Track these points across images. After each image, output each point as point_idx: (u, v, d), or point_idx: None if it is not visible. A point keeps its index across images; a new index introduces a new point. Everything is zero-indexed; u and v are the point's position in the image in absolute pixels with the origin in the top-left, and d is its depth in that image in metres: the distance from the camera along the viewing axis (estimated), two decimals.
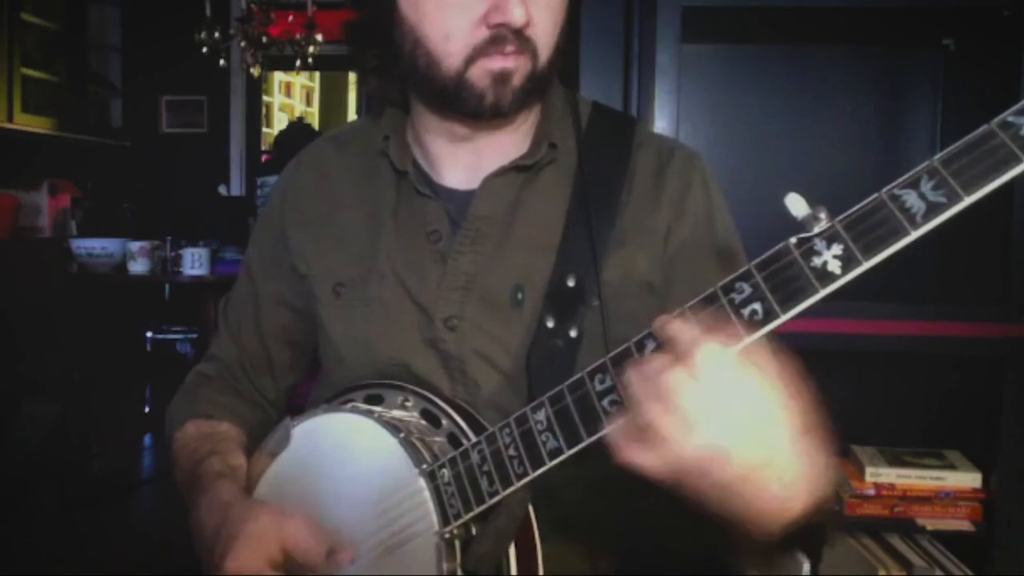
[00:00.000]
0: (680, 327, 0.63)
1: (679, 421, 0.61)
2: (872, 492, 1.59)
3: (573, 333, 0.87)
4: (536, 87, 0.89)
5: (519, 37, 0.84)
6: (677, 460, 0.62)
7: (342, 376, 0.97)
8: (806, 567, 1.66)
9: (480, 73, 0.85)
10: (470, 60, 0.85)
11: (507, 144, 0.94)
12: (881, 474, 1.59)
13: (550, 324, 0.87)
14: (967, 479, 1.58)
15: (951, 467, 1.61)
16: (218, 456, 0.94)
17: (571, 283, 0.88)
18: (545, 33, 0.87)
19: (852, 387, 1.78)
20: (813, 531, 0.71)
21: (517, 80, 0.86)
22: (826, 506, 0.71)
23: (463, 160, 0.95)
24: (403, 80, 0.95)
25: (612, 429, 0.66)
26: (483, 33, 0.84)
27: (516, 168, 0.93)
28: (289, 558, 0.81)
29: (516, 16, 0.82)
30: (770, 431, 0.63)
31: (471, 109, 0.88)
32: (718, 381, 0.61)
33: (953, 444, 1.68)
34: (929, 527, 1.58)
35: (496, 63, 0.85)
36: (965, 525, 1.58)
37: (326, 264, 0.99)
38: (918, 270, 1.62)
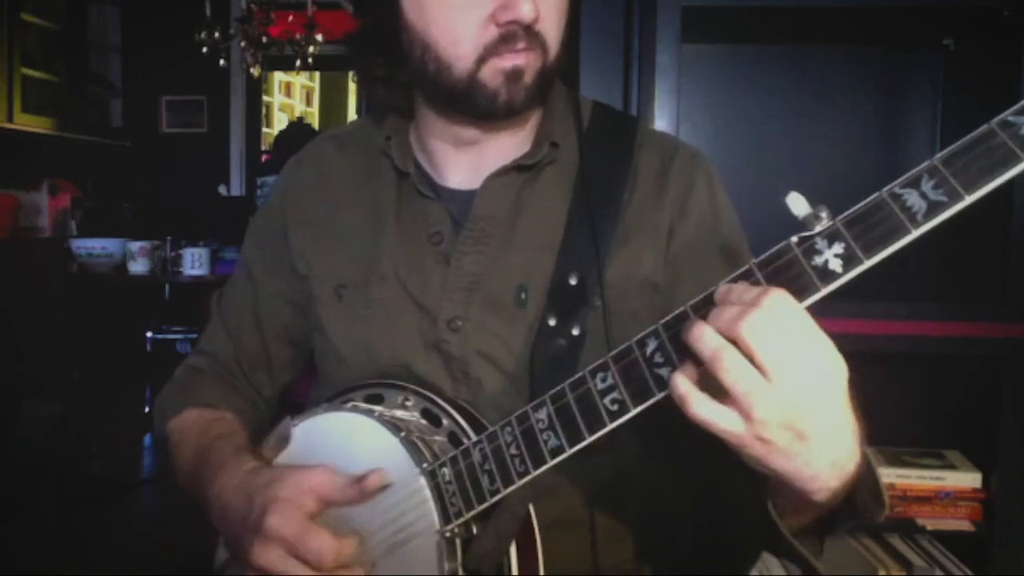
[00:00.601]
0: (745, 285, 0.62)
1: (760, 370, 0.59)
2: None
3: (575, 332, 0.87)
4: (546, 83, 0.89)
5: (529, 33, 0.84)
6: (756, 413, 0.60)
7: (343, 377, 0.96)
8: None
9: (492, 72, 0.85)
10: (481, 60, 0.85)
11: (510, 144, 0.94)
12: (881, 474, 1.59)
13: (552, 323, 0.87)
14: (967, 479, 1.58)
15: (951, 467, 1.60)
16: (228, 438, 0.94)
17: (573, 281, 0.88)
18: (553, 27, 0.87)
19: (852, 387, 1.77)
20: (856, 505, 0.71)
21: (529, 77, 0.86)
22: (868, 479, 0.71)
23: (466, 162, 0.95)
24: (410, 86, 0.95)
25: (677, 383, 0.62)
26: (493, 32, 0.83)
27: (518, 168, 0.93)
28: (324, 508, 0.81)
29: (526, 12, 0.81)
30: (845, 385, 0.62)
31: (483, 110, 0.87)
32: (794, 322, 0.59)
33: (953, 444, 1.68)
34: (929, 527, 1.58)
35: (508, 61, 0.84)
36: (965, 525, 1.57)
37: (327, 265, 0.99)
38: (918, 270, 1.62)
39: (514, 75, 0.85)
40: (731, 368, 0.59)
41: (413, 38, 0.88)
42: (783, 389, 0.59)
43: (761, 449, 0.61)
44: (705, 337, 0.61)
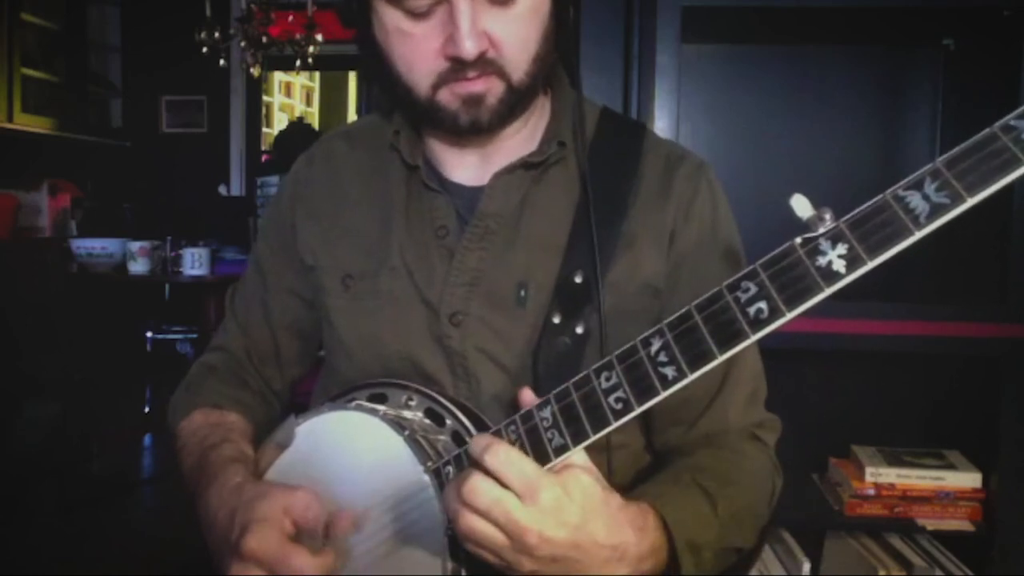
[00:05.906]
0: (491, 451, 0.70)
1: (478, 533, 0.70)
2: (872, 492, 1.59)
3: (579, 330, 0.87)
4: (519, 100, 0.88)
5: (482, 62, 0.83)
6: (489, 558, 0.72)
7: (348, 370, 0.97)
8: (806, 567, 1.66)
9: (449, 97, 0.86)
10: (436, 86, 0.86)
11: (514, 142, 0.95)
12: (881, 474, 1.60)
13: (556, 320, 0.88)
14: (967, 479, 1.59)
15: (951, 467, 1.61)
16: (229, 444, 0.94)
17: (578, 280, 0.89)
18: (514, 49, 0.85)
19: (852, 387, 1.78)
20: None
21: (492, 99, 0.86)
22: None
23: (469, 159, 0.96)
24: None
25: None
26: (443, 63, 0.84)
27: (525, 165, 0.93)
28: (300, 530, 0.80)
29: (466, 50, 0.81)
30: (580, 536, 0.70)
31: (449, 128, 0.89)
32: (520, 499, 0.68)
33: (953, 444, 1.69)
34: (929, 527, 1.58)
35: (463, 88, 0.85)
36: (965, 525, 1.58)
37: (334, 257, 0.99)
38: (918, 270, 1.62)
39: (472, 100, 0.85)
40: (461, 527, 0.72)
41: (383, 56, 0.89)
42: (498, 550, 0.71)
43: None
44: (444, 500, 0.75)
